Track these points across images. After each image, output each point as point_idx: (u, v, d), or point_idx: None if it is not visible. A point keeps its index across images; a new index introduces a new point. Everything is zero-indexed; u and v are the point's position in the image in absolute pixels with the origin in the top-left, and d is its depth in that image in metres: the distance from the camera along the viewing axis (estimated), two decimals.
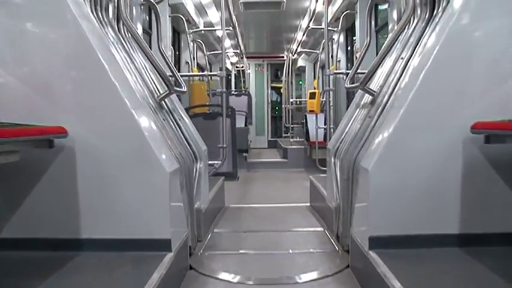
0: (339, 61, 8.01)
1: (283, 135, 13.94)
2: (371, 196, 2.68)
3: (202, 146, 4.15)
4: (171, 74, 3.85)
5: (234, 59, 13.65)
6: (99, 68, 2.69)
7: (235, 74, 14.71)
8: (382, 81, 3.54)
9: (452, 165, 2.66)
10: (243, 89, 11.11)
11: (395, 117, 2.77)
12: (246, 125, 9.98)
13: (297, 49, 10.48)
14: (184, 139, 3.80)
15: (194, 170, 3.79)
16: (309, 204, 5.80)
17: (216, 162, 4.87)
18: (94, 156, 2.66)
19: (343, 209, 3.61)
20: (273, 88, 15.71)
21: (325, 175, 6.18)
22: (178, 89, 3.48)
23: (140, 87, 3.30)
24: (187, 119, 4.17)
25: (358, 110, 3.98)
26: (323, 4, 7.73)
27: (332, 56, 9.91)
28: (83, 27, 2.74)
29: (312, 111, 8.27)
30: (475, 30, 2.79)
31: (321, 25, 8.80)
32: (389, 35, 3.92)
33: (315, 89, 8.47)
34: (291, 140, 10.23)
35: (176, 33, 8.46)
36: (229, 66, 14.21)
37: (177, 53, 8.19)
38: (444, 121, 2.68)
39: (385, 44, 3.33)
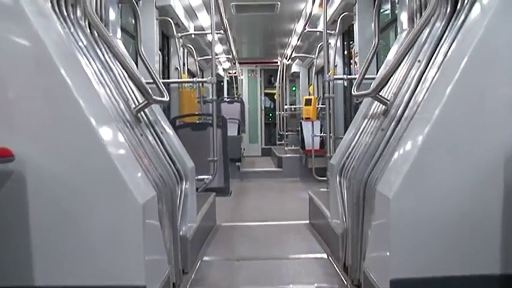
0: (336, 66, 7.54)
1: (278, 142, 13.45)
2: (393, 230, 2.18)
3: (188, 163, 3.65)
4: (152, 81, 3.36)
5: (227, 65, 13.17)
6: (56, 77, 2.17)
7: (227, 80, 14.21)
8: (396, 89, 3.06)
9: (492, 192, 2.17)
10: (236, 95, 10.62)
11: (419, 133, 2.28)
12: (238, 133, 9.49)
13: (291, 54, 10.02)
14: (167, 156, 3.29)
15: (178, 191, 3.28)
16: (307, 221, 5.29)
17: (206, 177, 4.33)
18: (49, 184, 2.12)
19: (352, 236, 3.12)
20: (266, 94, 15.24)
21: (324, 189, 5.69)
22: (158, 98, 2.99)
23: (115, 100, 2.79)
24: (171, 132, 3.66)
25: (366, 120, 3.50)
26: (319, 6, 7.29)
27: (328, 61, 9.46)
28: (37, 26, 2.22)
29: (307, 119, 7.80)
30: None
31: (316, 28, 8.36)
32: (404, 36, 3.44)
33: (310, 95, 7.99)
34: (286, 148, 9.76)
35: (165, 38, 7.96)
36: (221, 72, 13.73)
37: (166, 58, 7.68)
38: (482, 137, 2.19)
39: (402, 46, 2.84)
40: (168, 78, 7.56)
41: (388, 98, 3.06)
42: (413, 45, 2.86)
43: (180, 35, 6.35)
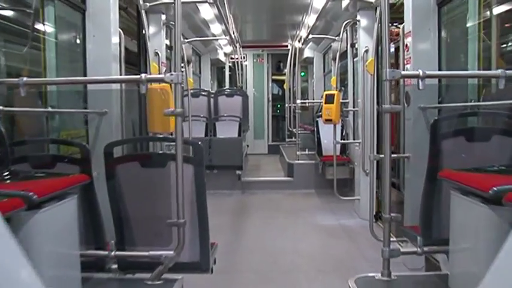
0: (366, 51, 5.68)
1: (287, 139, 11.61)
2: None
3: None
4: None
5: (228, 49, 11.26)
6: None
7: (230, 67, 12.28)
8: None
9: None
10: (237, 86, 8.74)
11: None
12: (239, 134, 7.66)
13: (307, 35, 8.09)
14: None
15: None
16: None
17: (165, 253, 2.34)
18: None
19: None
20: (274, 81, 13.35)
21: (377, 275, 3.54)
22: None
23: None
24: None
25: None
26: None
27: (352, 45, 7.58)
28: None
29: (328, 121, 5.96)
30: None
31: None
32: None
33: (334, 88, 6.13)
34: (298, 152, 7.95)
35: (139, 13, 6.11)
36: (222, 58, 11.85)
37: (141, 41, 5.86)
38: None
39: None
40: (146, 67, 5.71)
41: None
42: None
43: (147, 4, 4.47)
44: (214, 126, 7.69)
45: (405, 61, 4.03)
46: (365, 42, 5.86)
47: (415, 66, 3.79)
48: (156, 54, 5.77)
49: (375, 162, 5.54)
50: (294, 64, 10.27)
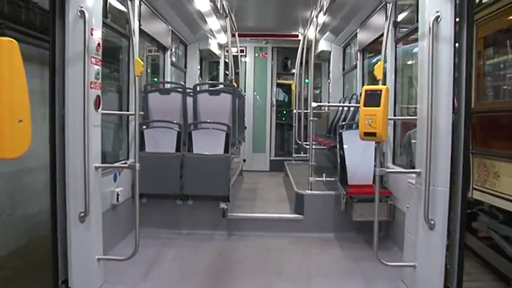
0: (437, 19, 3.28)
1: (294, 155, 9.15)
2: None
3: None
4: None
5: (223, 38, 8.81)
6: None
7: (226, 62, 9.81)
8: None
9: None
10: (228, 80, 6.23)
11: None
12: (226, 149, 5.22)
13: (326, 11, 5.62)
14: None
15: None
16: None
17: None
18: None
19: None
20: (279, 85, 10.90)
21: None
22: None
23: None
24: None
25: None
26: None
27: (396, 24, 5.16)
28: None
29: (368, 135, 3.50)
30: None
31: None
32: None
33: (375, 80, 3.67)
34: (311, 178, 5.48)
35: None
36: (215, 50, 9.42)
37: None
38: None
39: None
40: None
41: None
42: None
43: None
44: (190, 137, 5.27)
45: None
46: (435, 5, 3.43)
47: None
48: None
49: (447, 205, 3.38)
50: (306, 61, 7.85)
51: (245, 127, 9.79)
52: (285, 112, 11.29)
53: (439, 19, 3.34)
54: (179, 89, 5.56)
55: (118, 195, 4.58)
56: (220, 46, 9.74)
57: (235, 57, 8.72)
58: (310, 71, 6.29)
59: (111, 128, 5.31)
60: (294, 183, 5.94)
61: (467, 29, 3.35)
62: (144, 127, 5.33)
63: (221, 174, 5.04)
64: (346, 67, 8.63)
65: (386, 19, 5.28)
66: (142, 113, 5.43)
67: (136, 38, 5.28)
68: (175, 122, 5.31)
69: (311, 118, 5.64)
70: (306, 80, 9.75)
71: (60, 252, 3.55)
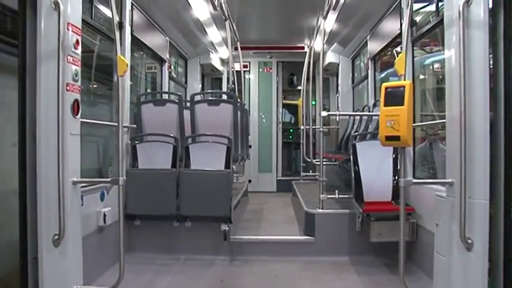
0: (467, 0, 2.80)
1: (302, 173, 8.61)
2: None
3: None
4: None
5: (225, 52, 8.41)
6: None
7: (228, 79, 9.36)
8: None
9: None
10: (229, 88, 5.76)
11: None
12: (227, 164, 4.72)
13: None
14: None
15: None
16: None
17: None
18: None
19: None
20: (285, 106, 10.43)
21: None
22: None
23: None
24: None
25: None
26: None
27: (413, 23, 4.69)
28: None
29: (392, 140, 2.99)
30: None
31: None
32: None
33: (400, 76, 3.16)
34: (323, 196, 4.94)
35: None
36: (217, 65, 9.02)
37: None
38: None
39: None
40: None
41: None
42: None
43: None
44: (188, 152, 4.77)
45: None
46: None
47: None
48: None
49: (487, 220, 2.86)
50: (313, 76, 7.40)
51: (250, 146, 9.35)
52: (291, 130, 10.81)
53: (470, 2, 2.86)
54: (175, 100, 5.08)
55: (105, 215, 4.06)
56: (222, 62, 9.34)
57: (239, 73, 8.31)
58: (319, 83, 5.80)
59: (101, 143, 4.84)
60: (304, 202, 5.39)
61: (505, 13, 2.86)
62: (137, 141, 4.84)
63: (222, 192, 4.51)
64: (356, 80, 8.18)
65: (401, 19, 4.88)
66: (134, 126, 4.96)
67: (127, 45, 4.88)
68: (171, 135, 4.82)
69: (321, 129, 5.10)
70: (313, 102, 9.35)
71: (31, 282, 3.02)
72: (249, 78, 9.84)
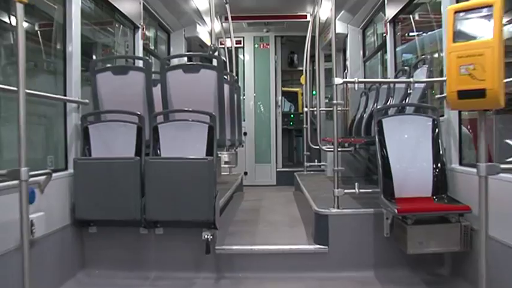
0: None
1: (307, 163, 7.41)
2: None
3: None
4: None
5: (217, 25, 7.14)
6: None
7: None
8: None
9: None
10: (210, 50, 4.51)
11: None
12: (210, 150, 3.50)
13: None
14: None
15: None
16: None
17: None
18: None
19: None
20: (284, 94, 9.19)
21: None
22: None
23: None
24: None
25: None
26: None
27: None
28: None
29: (470, 95, 1.77)
30: None
31: None
32: None
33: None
34: (337, 190, 3.72)
35: None
36: (206, 40, 7.77)
37: None
38: None
39: None
40: None
41: None
42: None
43: None
44: (157, 135, 3.56)
45: None
46: None
47: None
48: None
49: None
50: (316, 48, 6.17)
51: (245, 133, 8.15)
52: (292, 116, 9.59)
53: None
54: (141, 67, 3.85)
55: (33, 224, 2.85)
56: (210, 35, 8.07)
57: (231, 51, 7.09)
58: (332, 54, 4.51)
59: (42, 124, 3.64)
60: (311, 199, 4.17)
61: None
62: (90, 121, 3.62)
63: (202, 187, 3.30)
64: (367, 53, 6.96)
65: None
66: (87, 101, 3.73)
67: None
68: (135, 112, 3.60)
69: (335, 101, 3.84)
70: (313, 92, 8.13)
71: None
72: (243, 59, 8.59)
